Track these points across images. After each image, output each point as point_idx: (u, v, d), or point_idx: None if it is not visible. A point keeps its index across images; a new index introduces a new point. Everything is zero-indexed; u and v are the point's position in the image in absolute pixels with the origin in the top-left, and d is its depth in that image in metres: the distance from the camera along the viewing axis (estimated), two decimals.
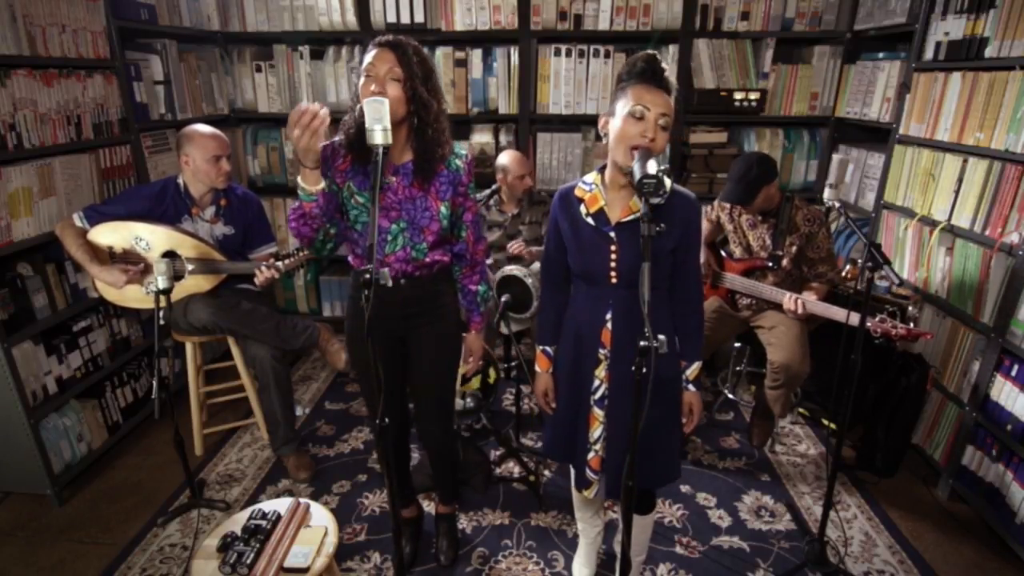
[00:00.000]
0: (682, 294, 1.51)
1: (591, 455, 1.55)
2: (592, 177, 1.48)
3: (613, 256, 1.42)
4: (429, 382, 1.77)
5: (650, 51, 1.37)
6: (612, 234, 1.42)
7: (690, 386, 1.56)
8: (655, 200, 1.39)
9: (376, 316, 1.63)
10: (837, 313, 2.17)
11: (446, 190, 1.58)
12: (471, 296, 1.77)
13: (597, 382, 1.51)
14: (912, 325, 2.04)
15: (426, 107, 1.47)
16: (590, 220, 1.44)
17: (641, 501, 1.68)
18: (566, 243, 1.50)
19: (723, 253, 2.54)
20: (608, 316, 1.46)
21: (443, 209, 1.58)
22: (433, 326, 1.70)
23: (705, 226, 2.50)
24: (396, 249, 1.57)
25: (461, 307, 1.80)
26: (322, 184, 1.43)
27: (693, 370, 1.55)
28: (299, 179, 1.41)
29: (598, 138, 3.25)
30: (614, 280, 1.44)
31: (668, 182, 1.43)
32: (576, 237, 1.47)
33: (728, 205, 2.43)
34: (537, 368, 1.65)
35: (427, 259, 1.60)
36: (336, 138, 1.54)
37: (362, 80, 1.43)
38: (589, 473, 1.56)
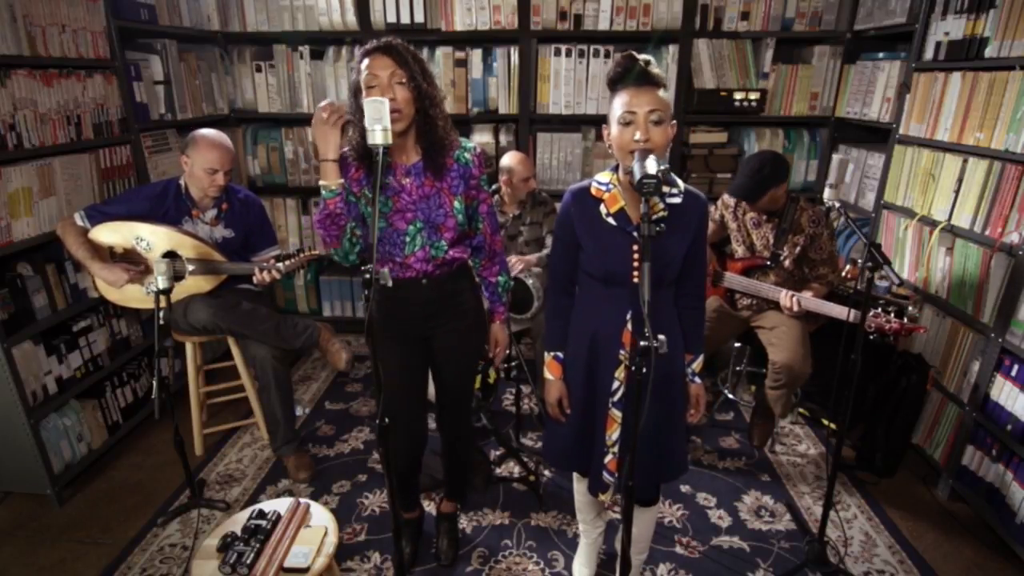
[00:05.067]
0: (688, 289, 1.52)
1: (608, 457, 1.53)
2: (607, 177, 1.47)
3: (636, 256, 1.42)
4: (452, 372, 1.79)
5: (628, 52, 1.36)
6: (635, 234, 1.41)
7: (696, 378, 1.57)
8: (674, 199, 1.41)
9: (399, 318, 1.66)
10: (833, 310, 2.17)
11: (458, 185, 1.58)
12: (492, 288, 1.78)
13: (616, 383, 1.49)
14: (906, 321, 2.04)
15: (432, 101, 1.48)
16: (611, 220, 1.43)
17: (647, 494, 1.67)
18: (582, 243, 1.48)
19: (725, 253, 2.54)
20: (628, 316, 1.46)
21: (457, 204, 1.58)
22: (456, 322, 1.72)
23: (709, 226, 2.50)
24: (416, 249, 1.57)
25: (484, 299, 1.81)
26: (342, 180, 1.44)
27: (697, 364, 1.57)
28: (320, 180, 1.43)
29: (598, 138, 3.26)
30: (636, 280, 1.43)
31: (681, 183, 1.45)
32: (595, 237, 1.45)
33: (732, 203, 2.44)
34: (548, 375, 1.61)
35: (447, 256, 1.60)
36: (344, 148, 1.54)
37: (364, 93, 1.42)
38: (607, 476, 1.55)
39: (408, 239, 1.56)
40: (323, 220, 1.48)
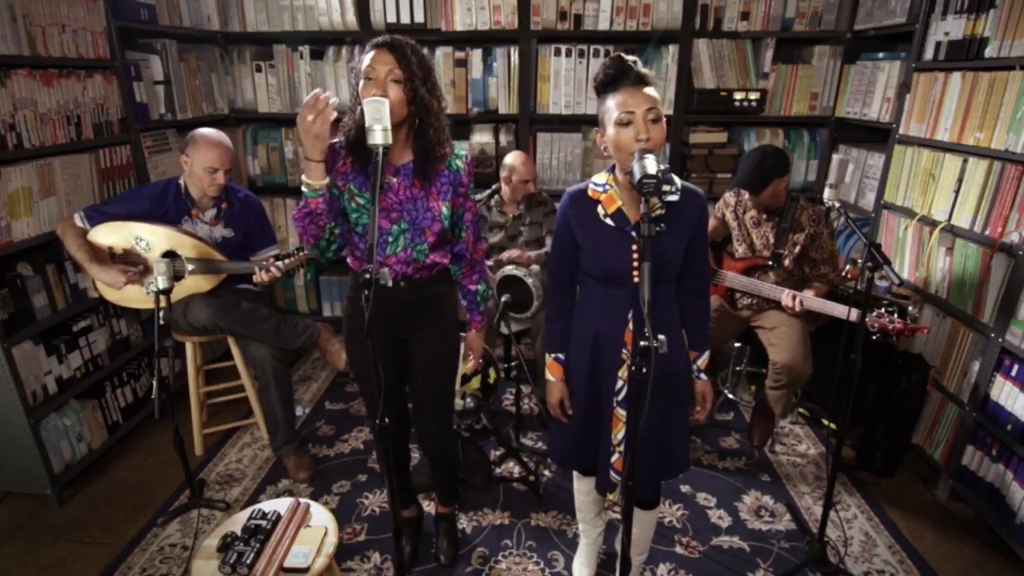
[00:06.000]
0: (691, 286, 1.53)
1: (615, 457, 1.53)
2: (604, 178, 1.47)
3: (635, 256, 1.42)
4: (428, 382, 1.77)
5: (616, 54, 1.37)
6: (634, 234, 1.42)
7: (701, 375, 1.58)
8: (671, 197, 1.42)
9: (376, 317, 1.64)
10: (834, 309, 2.17)
11: (447, 191, 1.57)
12: (471, 296, 1.77)
13: (621, 383, 1.50)
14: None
15: (427, 107, 1.46)
16: (609, 221, 1.44)
17: (648, 497, 1.68)
18: (581, 245, 1.48)
19: (724, 251, 2.54)
20: (630, 316, 1.46)
21: (444, 210, 1.57)
22: (433, 327, 1.70)
23: (711, 223, 2.51)
24: (397, 250, 1.57)
25: (461, 307, 1.80)
26: (327, 180, 1.42)
27: (703, 360, 1.57)
28: (303, 176, 1.40)
29: None
30: (636, 279, 1.43)
31: (678, 180, 1.45)
32: (594, 239, 1.46)
33: (733, 202, 2.44)
34: (550, 377, 1.61)
35: (427, 260, 1.60)
36: (336, 139, 1.54)
37: (361, 83, 1.42)
38: (613, 475, 1.55)
39: (391, 239, 1.56)
40: (302, 218, 1.46)
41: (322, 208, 1.44)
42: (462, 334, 1.86)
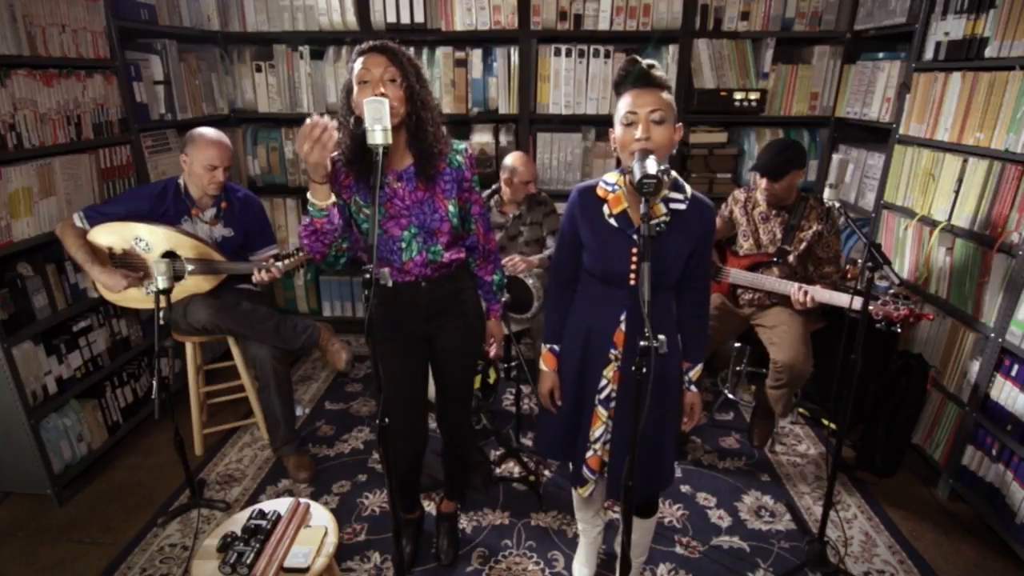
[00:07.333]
0: (691, 296, 1.53)
1: (589, 454, 1.55)
2: (614, 178, 1.48)
3: (635, 259, 1.43)
4: (454, 372, 1.80)
5: (632, 56, 1.38)
6: (635, 237, 1.42)
7: (692, 387, 1.58)
8: (679, 206, 1.41)
9: (400, 319, 1.65)
10: (842, 299, 2.15)
11: (451, 188, 1.57)
12: (487, 287, 1.79)
13: (604, 382, 1.51)
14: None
15: (424, 104, 1.47)
16: (613, 221, 1.44)
17: (645, 504, 1.68)
18: (584, 242, 1.49)
19: (728, 249, 2.54)
20: (622, 317, 1.47)
21: (451, 208, 1.57)
22: (457, 320, 1.72)
23: (716, 222, 2.51)
24: (413, 255, 1.57)
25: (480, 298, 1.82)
26: (332, 199, 1.42)
27: (696, 372, 1.57)
28: (309, 195, 1.41)
29: (599, 138, 3.26)
30: (633, 282, 1.44)
31: (689, 189, 1.45)
32: (597, 237, 1.46)
33: (742, 198, 2.45)
34: (543, 367, 1.63)
35: (444, 259, 1.61)
36: (334, 154, 1.53)
37: (356, 89, 1.41)
38: (586, 472, 1.57)
39: (404, 245, 1.56)
40: (309, 235, 1.45)
41: (327, 228, 1.44)
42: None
